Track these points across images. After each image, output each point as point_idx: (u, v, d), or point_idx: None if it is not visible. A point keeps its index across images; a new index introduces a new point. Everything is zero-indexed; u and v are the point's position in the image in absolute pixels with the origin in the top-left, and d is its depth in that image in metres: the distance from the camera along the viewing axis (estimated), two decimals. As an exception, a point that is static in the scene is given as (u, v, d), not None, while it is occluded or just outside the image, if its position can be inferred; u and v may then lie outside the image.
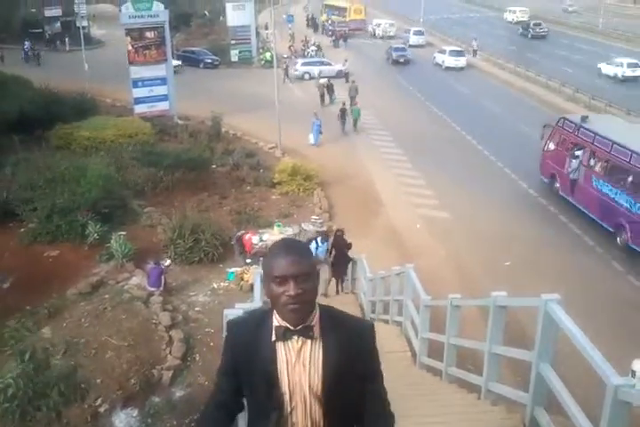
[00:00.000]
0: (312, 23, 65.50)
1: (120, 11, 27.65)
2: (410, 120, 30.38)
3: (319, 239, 14.73)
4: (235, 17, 44.15)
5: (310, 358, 2.50)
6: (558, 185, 20.70)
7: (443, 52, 45.12)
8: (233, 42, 44.60)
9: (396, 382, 7.73)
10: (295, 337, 2.49)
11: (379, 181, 22.33)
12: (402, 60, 46.15)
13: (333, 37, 55.33)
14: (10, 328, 10.51)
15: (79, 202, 15.76)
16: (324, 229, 16.82)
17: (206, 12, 61.46)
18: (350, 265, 14.96)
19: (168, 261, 13.90)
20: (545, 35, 57.57)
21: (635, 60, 39.42)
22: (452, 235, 17.92)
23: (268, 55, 40.17)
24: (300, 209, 19.41)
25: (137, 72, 26.59)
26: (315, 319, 2.51)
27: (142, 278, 13.98)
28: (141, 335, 11.80)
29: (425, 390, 7.17)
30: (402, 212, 19.77)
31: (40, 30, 47.72)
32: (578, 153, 19.76)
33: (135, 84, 26.60)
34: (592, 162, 18.98)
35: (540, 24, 58.92)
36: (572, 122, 20.47)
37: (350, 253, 14.66)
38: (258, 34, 48.08)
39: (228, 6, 44.45)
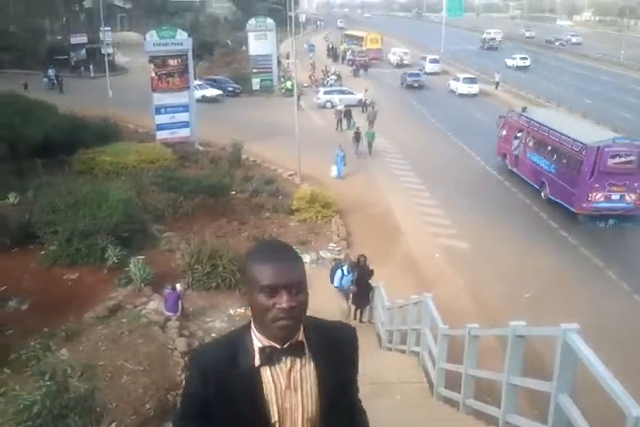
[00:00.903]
0: (332, 53, 66.20)
1: (144, 39, 28.23)
2: (425, 144, 31.21)
3: (345, 268, 14.30)
4: (256, 46, 44.80)
5: (302, 379, 2.20)
6: (508, 161, 27.18)
7: (457, 79, 46.99)
8: (254, 71, 45.18)
9: (414, 414, 7.68)
10: (283, 358, 2.17)
11: (397, 209, 22.31)
12: (416, 84, 48.84)
13: (354, 67, 55.87)
14: (29, 349, 10.57)
15: (100, 226, 15.89)
16: (343, 256, 16.79)
17: (229, 42, 62.47)
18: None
19: (178, 286, 13.92)
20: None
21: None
22: (471, 265, 17.80)
23: (288, 84, 40.63)
24: (318, 236, 19.43)
25: (160, 99, 26.98)
26: (300, 333, 2.20)
27: (160, 303, 14.00)
28: (157, 360, 11.78)
29: (442, 421, 7.10)
30: (420, 241, 19.70)
31: (66, 57, 48.71)
32: (519, 135, 26.31)
33: (158, 110, 26.98)
34: (527, 140, 25.54)
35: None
36: (515, 112, 27.63)
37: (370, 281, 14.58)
38: (279, 63, 48.72)
39: (251, 36, 45.14)
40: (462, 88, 45.03)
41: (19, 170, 20.87)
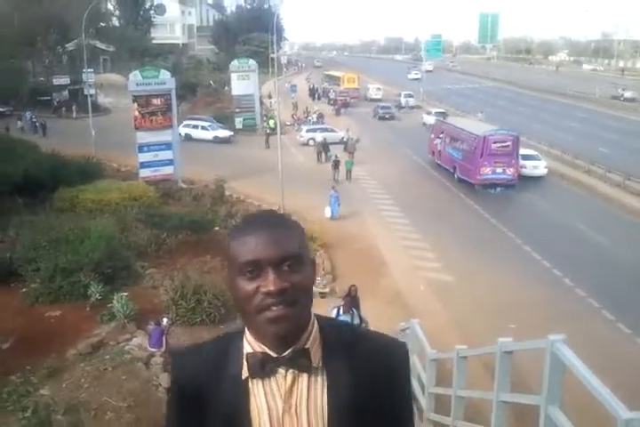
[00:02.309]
0: (313, 93, 67.37)
1: (127, 80, 28.52)
2: (404, 176, 33.12)
3: (336, 310, 13.01)
4: (239, 87, 45.39)
5: (308, 404, 1.64)
6: (435, 157, 35.39)
7: (429, 113, 50.49)
8: (237, 110, 45.67)
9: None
10: (282, 370, 1.63)
11: (381, 242, 22.40)
12: (387, 115, 53.13)
13: (335, 106, 56.90)
14: (10, 385, 10.36)
15: (82, 262, 15.76)
16: (328, 290, 16.74)
17: (212, 82, 63.18)
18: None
19: (165, 320, 13.78)
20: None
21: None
22: (456, 297, 17.80)
23: (271, 123, 41.10)
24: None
25: (143, 137, 27.13)
26: (311, 339, 1.65)
27: (143, 339, 13.83)
28: (142, 397, 11.58)
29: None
30: (405, 274, 19.72)
31: (48, 98, 48.98)
32: (441, 136, 34.57)
33: (141, 148, 27.10)
34: (446, 139, 33.68)
35: None
36: (440, 120, 38.39)
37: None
38: (261, 103, 49.30)
39: (233, 76, 45.77)
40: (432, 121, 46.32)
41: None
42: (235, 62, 46.31)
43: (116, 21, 76.00)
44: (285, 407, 1.63)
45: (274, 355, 1.62)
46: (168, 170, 27.81)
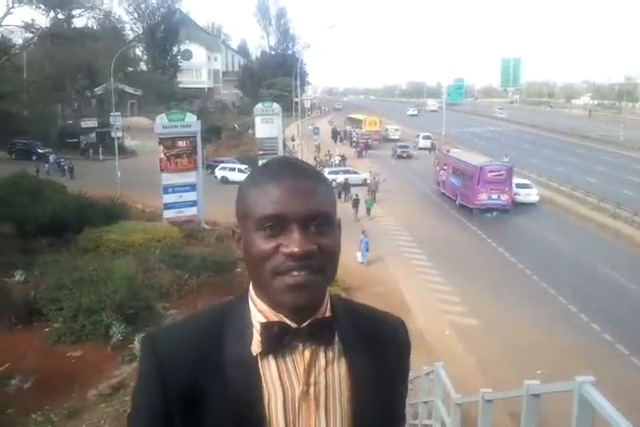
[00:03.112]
0: (336, 135, 68.10)
1: (154, 123, 29.04)
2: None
3: None
4: (263, 129, 45.88)
5: (327, 383, 1.40)
6: (440, 186, 39.47)
7: (417, 136, 60.31)
8: (260, 152, 46.01)
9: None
10: (300, 345, 1.38)
11: (404, 285, 22.23)
12: (404, 154, 55.83)
13: (357, 148, 57.38)
14: (30, 424, 10.30)
15: (105, 303, 15.82)
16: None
17: (236, 125, 64.18)
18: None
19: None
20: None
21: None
22: (481, 342, 17.54)
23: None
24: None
25: (168, 179, 27.44)
26: (327, 309, 1.44)
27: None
28: (160, 439, 11.43)
29: None
30: (429, 318, 19.48)
31: (76, 140, 49.99)
32: (445, 167, 38.57)
33: (165, 190, 27.37)
34: (449, 170, 37.75)
35: None
36: (443, 153, 42.77)
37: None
38: (285, 145, 49.83)
39: (257, 120, 46.35)
40: (425, 144, 58.17)
41: (25, 248, 20.98)
42: (259, 106, 46.97)
43: (143, 66, 78.03)
44: (303, 388, 1.38)
45: (293, 325, 1.37)
46: (192, 211, 28.01)
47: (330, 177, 40.74)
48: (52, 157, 43.89)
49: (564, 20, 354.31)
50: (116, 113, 43.36)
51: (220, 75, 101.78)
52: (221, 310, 1.46)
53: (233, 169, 41.98)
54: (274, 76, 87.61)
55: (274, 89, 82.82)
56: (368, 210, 32.73)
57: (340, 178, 39.21)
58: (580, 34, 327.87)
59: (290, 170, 1.38)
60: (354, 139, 62.64)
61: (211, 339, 1.39)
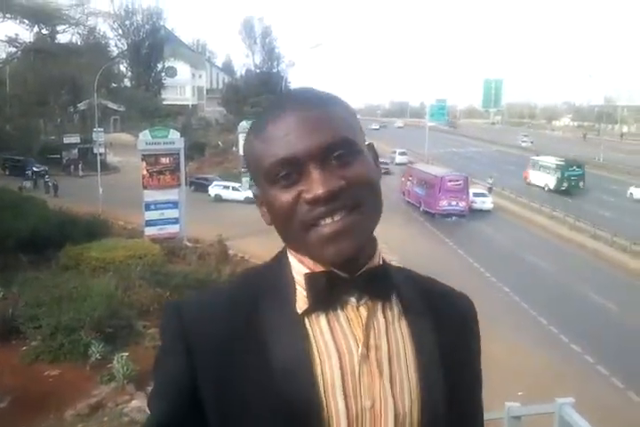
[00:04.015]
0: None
1: (137, 139, 28.96)
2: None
3: None
4: (247, 147, 45.98)
5: (389, 346, 1.16)
6: (405, 195, 43.68)
7: (394, 152, 64.35)
8: (243, 170, 46.09)
9: None
10: (353, 299, 1.16)
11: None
12: (384, 171, 52.61)
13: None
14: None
15: (84, 321, 15.65)
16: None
17: (220, 143, 64.11)
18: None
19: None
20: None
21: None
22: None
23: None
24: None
25: (150, 195, 27.31)
26: (379, 259, 1.21)
27: (143, 401, 13.53)
28: (138, 461, 11.27)
29: None
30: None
31: (58, 156, 49.68)
32: (410, 178, 43.33)
33: (147, 206, 27.23)
34: (414, 180, 42.44)
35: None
36: (409, 166, 48.54)
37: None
38: (268, 163, 49.88)
39: (241, 137, 46.44)
40: (401, 159, 62.86)
41: (4, 265, 20.71)
42: (243, 123, 47.00)
43: (127, 82, 77.95)
44: (363, 352, 1.13)
45: (342, 274, 1.15)
46: (174, 228, 27.86)
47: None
48: (28, 173, 43.45)
49: (545, 42, 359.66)
50: (99, 129, 43.16)
51: (205, 92, 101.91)
52: (258, 269, 1.27)
53: (227, 187, 41.93)
54: (258, 94, 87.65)
55: (258, 107, 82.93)
56: None
57: None
58: (561, 56, 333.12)
59: (293, 102, 1.15)
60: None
61: (247, 300, 1.17)
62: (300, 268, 1.19)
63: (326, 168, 1.09)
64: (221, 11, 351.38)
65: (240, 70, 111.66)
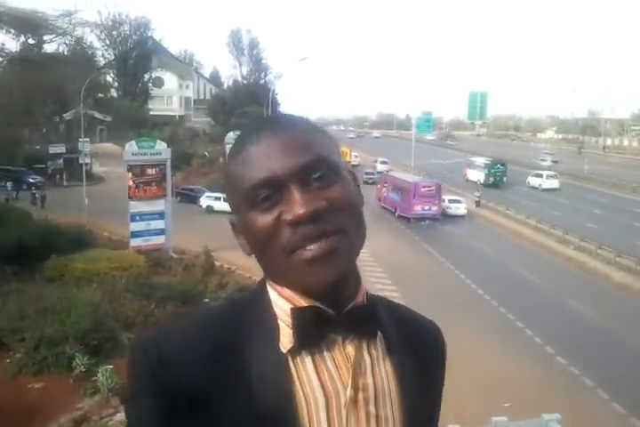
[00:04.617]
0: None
1: (123, 150, 28.86)
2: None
3: None
4: (234, 158, 45.96)
5: (376, 389, 1.13)
6: (380, 202, 46.77)
7: (376, 161, 66.88)
8: (230, 181, 46.11)
9: None
10: (339, 338, 1.11)
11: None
12: (370, 181, 56.85)
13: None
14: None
15: (68, 333, 15.53)
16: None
17: (206, 153, 64.01)
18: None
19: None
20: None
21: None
22: (452, 376, 17.49)
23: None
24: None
25: (136, 206, 27.18)
26: (365, 296, 1.17)
27: (127, 414, 13.41)
28: (122, 476, 11.16)
29: None
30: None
31: (43, 166, 49.39)
32: (385, 185, 46.47)
33: (133, 217, 27.09)
34: (389, 187, 45.62)
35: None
36: (384, 174, 52.77)
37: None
38: (255, 175, 49.90)
39: (228, 148, 46.14)
40: (382, 167, 65.24)
41: (-13, 277, 20.55)
42: (230, 134, 47.08)
43: (114, 92, 77.75)
44: (351, 394, 1.09)
45: (330, 311, 1.10)
46: (159, 239, 27.73)
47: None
48: (8, 185, 42.97)
49: (530, 56, 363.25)
50: (85, 139, 42.99)
51: (192, 102, 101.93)
52: (238, 302, 1.19)
53: (218, 198, 41.85)
54: (245, 105, 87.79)
55: (245, 118, 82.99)
56: None
57: None
58: (546, 69, 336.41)
59: (272, 124, 1.14)
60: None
61: (226, 338, 1.09)
62: (281, 302, 1.13)
63: (307, 189, 1.07)
64: (209, 22, 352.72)
65: (227, 81, 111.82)
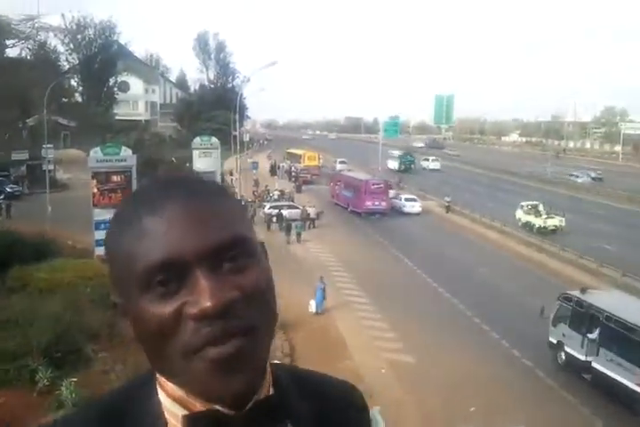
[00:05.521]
0: (274, 170, 68.30)
1: (88, 155, 28.42)
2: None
3: None
4: (201, 163, 45.66)
5: None
6: (334, 198, 50.31)
7: (335, 161, 71.35)
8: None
9: None
10: None
11: (340, 321, 22.20)
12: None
13: (297, 183, 57.60)
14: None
15: (31, 346, 15.17)
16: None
17: (173, 159, 63.48)
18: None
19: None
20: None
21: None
22: (417, 379, 17.56)
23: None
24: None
25: (100, 214, 26.67)
26: (270, 383, 1.02)
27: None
28: None
29: None
30: (366, 355, 19.43)
31: (6, 173, 48.47)
32: (338, 183, 49.89)
33: (98, 226, 26.58)
34: (342, 185, 48.82)
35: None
36: (336, 172, 56.61)
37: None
38: (223, 179, 49.59)
39: (195, 153, 46.14)
40: (341, 166, 68.71)
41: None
42: (197, 139, 46.78)
43: (79, 97, 76.77)
44: None
45: (227, 412, 0.93)
46: (125, 247, 27.28)
47: (269, 212, 40.81)
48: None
49: (495, 58, 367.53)
50: (49, 145, 42.27)
51: (158, 107, 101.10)
52: (118, 405, 0.99)
53: None
54: (213, 110, 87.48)
55: (212, 122, 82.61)
56: (298, 235, 36.03)
57: (269, 209, 40.28)
58: (510, 73, 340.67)
59: (176, 189, 0.94)
60: (293, 173, 62.96)
61: None
62: (172, 407, 0.96)
63: (217, 274, 0.89)
64: (176, 26, 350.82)
65: (194, 85, 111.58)
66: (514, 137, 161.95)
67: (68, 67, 77.16)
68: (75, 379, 15.00)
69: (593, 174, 69.68)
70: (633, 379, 15.64)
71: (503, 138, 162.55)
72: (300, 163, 66.27)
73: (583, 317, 18.15)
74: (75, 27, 75.79)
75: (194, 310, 0.87)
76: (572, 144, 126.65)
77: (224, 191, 0.99)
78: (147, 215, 0.90)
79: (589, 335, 17.70)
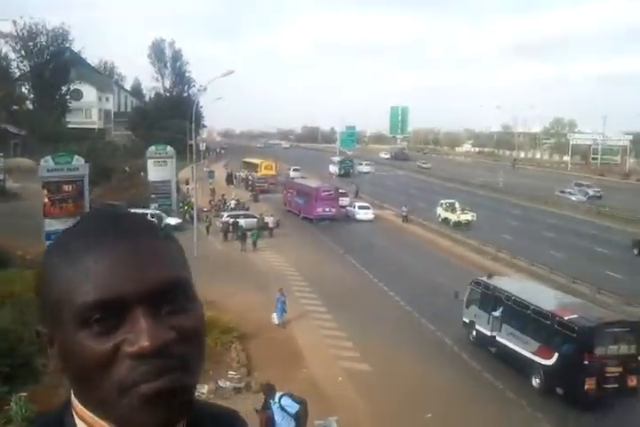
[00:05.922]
0: (231, 179, 67.84)
1: (39, 164, 27.84)
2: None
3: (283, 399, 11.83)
4: (156, 172, 45.22)
5: None
6: (286, 205, 50.94)
7: (289, 169, 71.96)
8: (153, 196, 45.18)
9: None
10: None
11: (298, 331, 22.08)
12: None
13: (253, 192, 57.36)
14: None
15: (-22, 360, 14.71)
16: (242, 385, 16.09)
17: (127, 168, 62.54)
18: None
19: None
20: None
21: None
22: (373, 387, 17.60)
23: (187, 208, 40.82)
24: (218, 365, 18.61)
25: (52, 225, 26.19)
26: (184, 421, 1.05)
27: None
28: None
29: None
30: (323, 364, 19.37)
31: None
32: (290, 191, 50.80)
33: (48, 236, 26.03)
34: (294, 192, 49.64)
35: None
36: (289, 180, 57.52)
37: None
38: (179, 188, 49.08)
39: (150, 162, 45.61)
40: (295, 174, 70.04)
41: None
42: (152, 148, 46.31)
43: (30, 105, 75.27)
44: None
45: None
46: (77, 258, 26.77)
47: (226, 221, 40.39)
48: None
49: (448, 70, 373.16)
50: (-2, 154, 41.32)
51: (112, 116, 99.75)
52: None
53: (145, 215, 40.66)
54: (168, 118, 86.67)
55: (168, 131, 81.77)
56: (254, 243, 36.26)
57: (236, 221, 39.33)
58: (463, 84, 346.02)
59: (119, 226, 0.96)
60: (250, 182, 62.63)
61: None
62: None
63: (156, 314, 0.91)
64: (131, 33, 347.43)
65: (149, 94, 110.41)
66: (467, 147, 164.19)
67: (19, 74, 75.71)
68: (24, 394, 14.62)
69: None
70: (528, 348, 18.46)
71: (457, 148, 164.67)
72: (256, 172, 66.05)
73: (489, 298, 21.03)
74: (26, 33, 74.29)
75: (132, 348, 0.89)
76: (522, 154, 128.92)
77: (165, 232, 1.02)
78: (88, 249, 0.92)
79: (494, 313, 20.45)
